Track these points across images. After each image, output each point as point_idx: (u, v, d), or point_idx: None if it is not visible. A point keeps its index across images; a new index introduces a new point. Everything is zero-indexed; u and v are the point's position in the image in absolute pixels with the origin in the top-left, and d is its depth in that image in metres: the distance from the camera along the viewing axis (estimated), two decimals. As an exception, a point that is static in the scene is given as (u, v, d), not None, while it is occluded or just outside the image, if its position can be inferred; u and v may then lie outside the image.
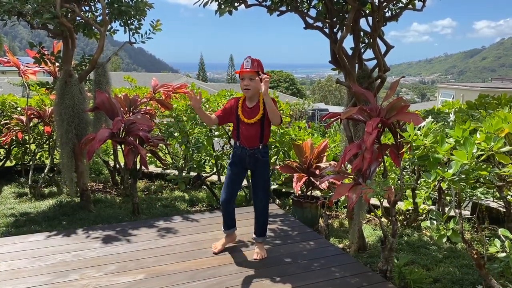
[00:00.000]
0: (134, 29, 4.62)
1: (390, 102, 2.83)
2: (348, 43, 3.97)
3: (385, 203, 4.07)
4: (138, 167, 4.60)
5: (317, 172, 4.25)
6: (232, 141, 4.73)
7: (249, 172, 3.26)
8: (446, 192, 3.89)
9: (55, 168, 5.35)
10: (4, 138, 5.21)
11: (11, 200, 4.90)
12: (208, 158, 4.98)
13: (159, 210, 4.65)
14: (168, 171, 5.98)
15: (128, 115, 4.82)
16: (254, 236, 3.13)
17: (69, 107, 4.24)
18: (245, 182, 4.71)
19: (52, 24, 4.00)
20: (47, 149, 5.77)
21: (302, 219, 4.13)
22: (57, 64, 4.82)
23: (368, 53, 3.70)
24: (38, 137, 5.64)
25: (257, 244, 3.11)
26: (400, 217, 4.48)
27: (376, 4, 3.27)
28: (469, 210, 4.46)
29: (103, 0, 4.17)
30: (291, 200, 4.57)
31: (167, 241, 3.37)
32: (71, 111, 4.25)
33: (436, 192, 3.92)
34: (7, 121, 5.40)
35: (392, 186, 2.51)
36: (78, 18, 4.46)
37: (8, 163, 5.88)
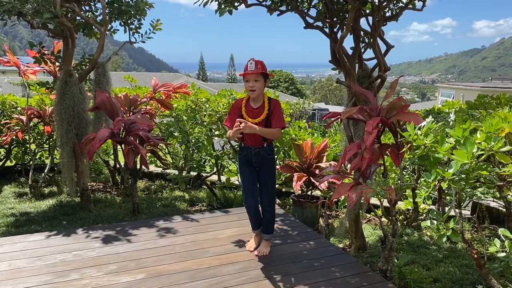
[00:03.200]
0: (134, 28, 4.62)
1: (390, 101, 2.83)
2: (348, 43, 3.97)
3: (385, 203, 4.07)
4: (138, 166, 4.60)
5: (317, 171, 4.25)
6: (233, 142, 4.74)
7: None
8: (446, 191, 3.89)
9: (55, 168, 5.35)
10: (4, 138, 5.21)
11: (11, 199, 4.90)
12: (208, 157, 4.98)
13: (159, 210, 4.65)
14: (168, 170, 5.98)
15: (128, 114, 4.81)
16: (262, 234, 3.19)
17: (69, 107, 4.24)
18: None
19: (52, 23, 4.00)
20: (47, 148, 5.77)
21: (302, 218, 4.13)
22: (57, 63, 4.82)
23: (368, 53, 3.69)
24: (38, 137, 5.64)
25: (262, 240, 3.18)
26: (400, 217, 4.48)
27: (376, 3, 3.27)
28: (469, 210, 4.46)
29: (103, 0, 4.17)
30: (291, 200, 4.57)
31: (167, 241, 3.37)
32: (71, 111, 4.25)
33: (436, 192, 3.92)
34: (7, 121, 5.40)
35: (392, 186, 2.51)
36: (78, 17, 4.46)
37: (8, 163, 5.88)
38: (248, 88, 2.92)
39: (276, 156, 5.06)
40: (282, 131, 4.84)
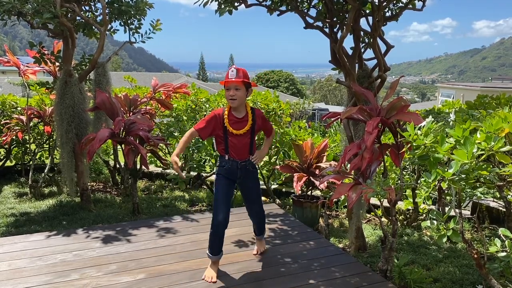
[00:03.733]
0: (134, 28, 4.62)
1: (390, 101, 2.83)
2: (348, 43, 3.97)
3: (385, 203, 4.07)
4: (138, 166, 4.60)
5: (317, 172, 4.25)
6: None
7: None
8: (446, 191, 3.89)
9: (55, 168, 5.35)
10: (4, 138, 5.21)
11: (11, 200, 4.90)
12: (208, 157, 4.98)
13: (159, 210, 4.65)
14: (168, 170, 5.98)
15: (128, 114, 4.81)
16: (256, 235, 3.18)
17: (69, 107, 4.24)
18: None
19: (52, 23, 4.00)
20: (47, 148, 5.77)
21: (302, 218, 4.13)
22: (57, 63, 4.82)
23: (368, 53, 3.70)
24: (38, 137, 5.64)
25: (257, 240, 3.19)
26: (400, 217, 4.48)
27: (376, 3, 3.27)
28: (469, 210, 4.46)
29: (103, 0, 4.17)
30: (291, 200, 4.57)
31: (167, 241, 3.37)
32: (71, 111, 4.25)
33: (436, 192, 3.92)
34: (7, 121, 5.40)
35: (392, 186, 2.51)
36: (78, 17, 4.46)
37: (8, 163, 5.88)
38: (228, 97, 2.72)
39: (276, 157, 5.07)
40: (282, 131, 4.85)
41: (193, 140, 4.77)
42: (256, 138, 3.03)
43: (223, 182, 2.81)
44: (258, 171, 3.09)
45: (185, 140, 2.76)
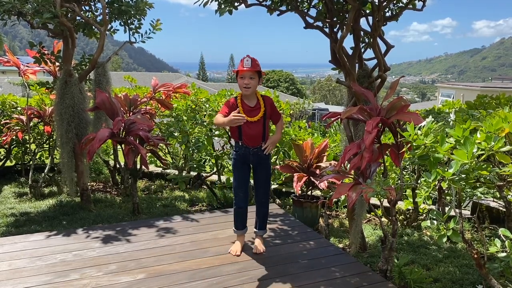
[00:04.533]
0: (134, 28, 4.62)
1: (390, 101, 2.83)
2: (348, 43, 3.97)
3: (385, 203, 4.07)
4: (138, 166, 4.60)
5: (317, 171, 4.25)
6: (233, 141, 4.73)
7: None
8: (446, 191, 3.89)
9: (55, 168, 5.35)
10: (4, 138, 5.21)
11: (11, 199, 4.90)
12: (208, 157, 4.98)
13: (159, 210, 4.65)
14: (168, 170, 5.98)
15: (128, 114, 4.81)
16: (255, 230, 3.23)
17: (69, 107, 4.24)
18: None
19: (52, 23, 4.00)
20: (47, 148, 5.77)
21: (302, 218, 4.13)
22: (57, 63, 4.82)
23: (368, 53, 3.69)
24: (38, 137, 5.64)
25: (257, 237, 3.21)
26: (400, 217, 4.48)
27: (376, 3, 3.26)
28: (469, 210, 4.46)
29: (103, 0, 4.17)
30: (291, 200, 4.57)
31: (167, 240, 3.37)
32: (71, 111, 4.25)
33: (436, 192, 3.92)
34: (7, 120, 5.40)
35: (392, 186, 2.51)
36: (78, 17, 4.46)
37: (8, 163, 5.88)
38: (242, 85, 2.90)
39: (276, 156, 5.07)
40: (282, 131, 4.85)
41: (193, 140, 4.77)
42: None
43: (239, 166, 3.07)
44: (271, 157, 3.18)
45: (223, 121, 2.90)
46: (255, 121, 2.92)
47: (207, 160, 5.18)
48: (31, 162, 5.30)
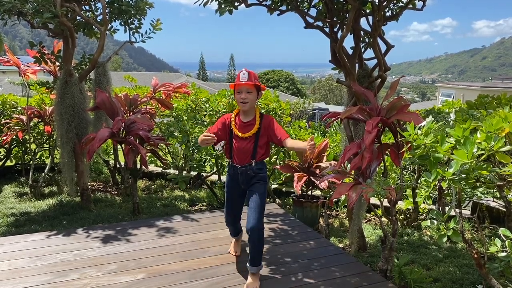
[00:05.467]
0: (135, 28, 4.62)
1: (390, 101, 2.83)
2: (348, 43, 3.97)
3: (385, 203, 4.06)
4: (138, 166, 4.60)
5: (318, 171, 4.25)
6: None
7: None
8: (446, 191, 3.89)
9: (56, 168, 5.35)
10: (4, 138, 5.21)
11: (11, 199, 4.90)
12: (209, 157, 4.97)
13: (159, 210, 4.65)
14: (168, 170, 5.98)
15: (128, 114, 4.81)
16: (248, 265, 2.70)
17: (69, 107, 4.24)
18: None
19: (53, 23, 4.00)
20: (47, 148, 5.77)
21: (302, 218, 4.13)
22: (57, 63, 4.82)
23: (369, 53, 3.70)
24: (39, 137, 5.64)
25: (251, 275, 2.68)
26: (400, 217, 4.48)
27: (376, 3, 3.26)
28: (469, 210, 4.46)
29: (103, -1, 4.17)
30: (291, 200, 4.57)
31: (167, 240, 3.37)
32: (71, 111, 4.25)
33: (436, 192, 3.92)
34: (8, 120, 5.40)
35: (392, 186, 2.51)
36: (78, 17, 4.46)
37: (8, 163, 5.88)
38: (239, 100, 2.67)
39: (276, 156, 5.06)
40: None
41: (193, 140, 4.77)
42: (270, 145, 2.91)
43: (230, 185, 2.86)
44: (263, 179, 2.79)
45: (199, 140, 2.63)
46: (245, 137, 2.69)
47: (207, 160, 5.18)
48: (31, 162, 5.30)
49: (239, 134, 2.71)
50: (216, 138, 2.62)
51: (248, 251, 2.73)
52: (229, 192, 2.89)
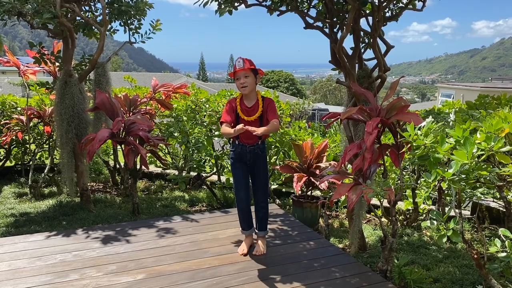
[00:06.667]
0: (134, 29, 4.63)
1: (390, 102, 2.83)
2: (348, 43, 3.97)
3: (385, 203, 4.07)
4: (138, 167, 4.59)
5: (317, 172, 4.25)
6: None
7: None
8: (446, 192, 3.89)
9: (55, 168, 5.35)
10: (4, 138, 5.21)
11: (11, 200, 4.90)
12: (208, 158, 4.98)
13: (159, 210, 4.65)
14: (168, 171, 5.98)
15: (128, 115, 4.81)
16: (255, 230, 3.20)
17: (69, 107, 4.24)
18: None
19: (52, 24, 4.00)
20: (47, 149, 5.77)
21: (302, 219, 4.13)
22: (57, 64, 4.82)
23: (368, 53, 3.69)
24: (38, 137, 5.64)
25: (258, 238, 3.19)
26: (400, 217, 4.48)
27: (376, 4, 3.27)
28: (469, 210, 4.46)
29: (103, 0, 4.17)
30: (291, 200, 4.57)
31: (167, 241, 3.37)
32: (71, 111, 4.25)
33: (436, 192, 3.92)
34: (7, 121, 5.40)
35: (392, 186, 2.51)
36: (78, 18, 4.46)
37: (8, 163, 5.88)
38: (239, 86, 2.96)
39: (276, 157, 5.07)
40: (282, 131, 4.84)
41: (193, 140, 4.77)
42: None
43: (237, 165, 3.09)
44: (267, 158, 3.18)
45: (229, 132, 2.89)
46: (252, 121, 2.96)
47: (207, 160, 5.18)
48: (31, 163, 5.30)
49: (245, 118, 2.97)
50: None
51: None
52: (240, 169, 3.08)
